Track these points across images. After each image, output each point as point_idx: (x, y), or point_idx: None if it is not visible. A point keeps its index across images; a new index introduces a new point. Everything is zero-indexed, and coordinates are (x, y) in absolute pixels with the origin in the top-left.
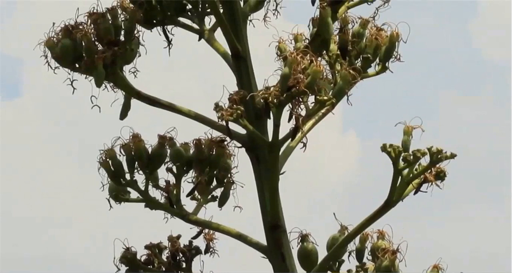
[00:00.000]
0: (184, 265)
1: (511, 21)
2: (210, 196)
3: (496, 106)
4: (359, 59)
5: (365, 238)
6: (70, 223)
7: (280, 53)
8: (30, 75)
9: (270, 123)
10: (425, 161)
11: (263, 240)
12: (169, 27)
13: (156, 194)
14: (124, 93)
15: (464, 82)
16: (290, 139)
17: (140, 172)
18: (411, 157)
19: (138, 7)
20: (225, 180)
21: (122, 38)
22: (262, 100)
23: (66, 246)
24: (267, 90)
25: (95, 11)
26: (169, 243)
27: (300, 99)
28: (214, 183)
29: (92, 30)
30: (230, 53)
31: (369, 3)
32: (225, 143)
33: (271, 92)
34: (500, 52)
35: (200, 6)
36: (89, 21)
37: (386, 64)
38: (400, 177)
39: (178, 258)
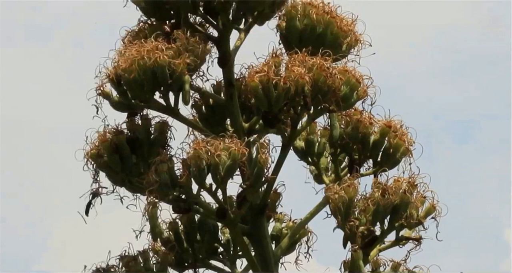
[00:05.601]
0: None
1: None
2: None
3: None
4: None
5: None
6: None
7: None
8: None
9: None
10: None
11: None
12: (200, 270)
13: None
14: None
15: None
16: None
17: None
18: None
19: (170, 250)
20: None
21: None
22: None
23: None
24: None
25: (126, 253)
26: None
27: None
28: None
29: None
30: None
31: (400, 246)
32: None
33: None
34: None
35: (232, 249)
36: (121, 263)
37: None
38: None
39: None
